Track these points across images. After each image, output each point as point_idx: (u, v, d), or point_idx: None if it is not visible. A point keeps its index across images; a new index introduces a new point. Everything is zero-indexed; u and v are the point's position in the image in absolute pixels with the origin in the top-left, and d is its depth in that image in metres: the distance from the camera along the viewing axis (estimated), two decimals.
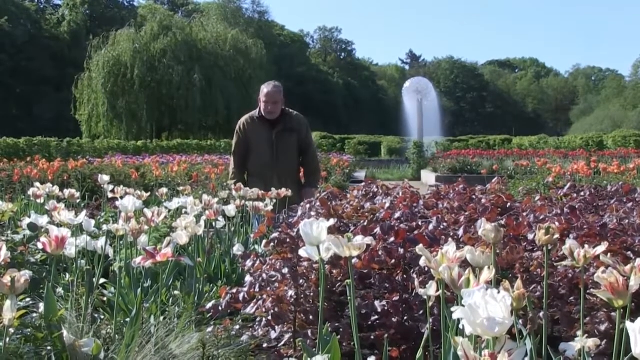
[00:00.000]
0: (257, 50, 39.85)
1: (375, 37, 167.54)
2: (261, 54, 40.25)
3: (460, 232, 2.56)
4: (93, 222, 3.62)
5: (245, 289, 2.57)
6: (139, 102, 35.11)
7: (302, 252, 2.08)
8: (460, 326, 1.32)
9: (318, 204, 3.17)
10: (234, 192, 4.70)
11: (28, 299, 2.78)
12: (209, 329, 2.43)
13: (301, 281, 2.45)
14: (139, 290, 2.99)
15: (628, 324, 1.16)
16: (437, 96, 42.15)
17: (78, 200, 5.38)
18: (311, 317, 2.40)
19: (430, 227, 2.64)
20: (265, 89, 5.42)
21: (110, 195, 4.80)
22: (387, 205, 3.09)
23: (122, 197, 3.99)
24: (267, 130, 5.42)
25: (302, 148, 5.56)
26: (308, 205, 3.24)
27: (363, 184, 3.92)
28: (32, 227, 3.59)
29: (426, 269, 1.98)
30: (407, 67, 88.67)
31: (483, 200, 3.11)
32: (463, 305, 1.30)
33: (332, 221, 1.97)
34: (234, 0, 62.79)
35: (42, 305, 2.45)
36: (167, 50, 35.82)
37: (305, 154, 5.59)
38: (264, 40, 44.68)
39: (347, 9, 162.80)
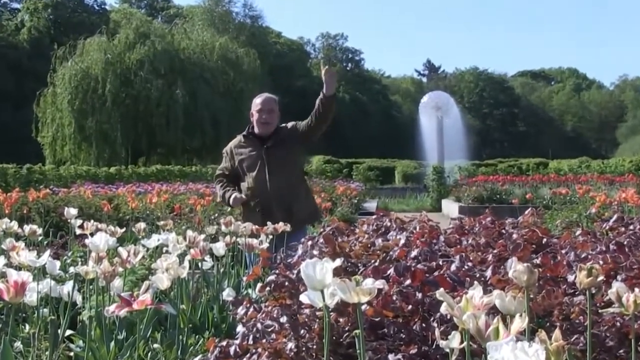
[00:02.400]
0: (249, 60, 40.20)
1: (387, 44, 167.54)
2: (254, 64, 40.59)
3: (488, 273, 2.57)
4: (58, 263, 3.63)
5: (237, 342, 2.57)
6: (111, 121, 35.18)
7: (303, 298, 2.09)
8: None
9: (321, 240, 3.18)
10: (223, 228, 4.71)
11: None
12: None
13: (302, 331, 2.46)
14: (112, 343, 2.99)
15: None
16: (460, 113, 42.34)
17: (40, 238, 5.40)
18: None
19: (453, 267, 2.65)
20: (257, 98, 5.56)
21: (78, 231, 4.81)
22: (402, 241, 3.10)
23: (92, 234, 4.01)
24: (258, 149, 5.46)
25: (301, 139, 5.53)
26: (310, 243, 3.25)
27: (374, 216, 3.93)
28: None
29: (448, 316, 1.98)
30: (424, 80, 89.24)
31: (514, 236, 3.12)
32: None
33: (338, 261, 1.98)
34: (222, 4, 63.30)
35: None
36: (145, 61, 36.06)
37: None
38: (258, 49, 45.10)
39: (354, 12, 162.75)
